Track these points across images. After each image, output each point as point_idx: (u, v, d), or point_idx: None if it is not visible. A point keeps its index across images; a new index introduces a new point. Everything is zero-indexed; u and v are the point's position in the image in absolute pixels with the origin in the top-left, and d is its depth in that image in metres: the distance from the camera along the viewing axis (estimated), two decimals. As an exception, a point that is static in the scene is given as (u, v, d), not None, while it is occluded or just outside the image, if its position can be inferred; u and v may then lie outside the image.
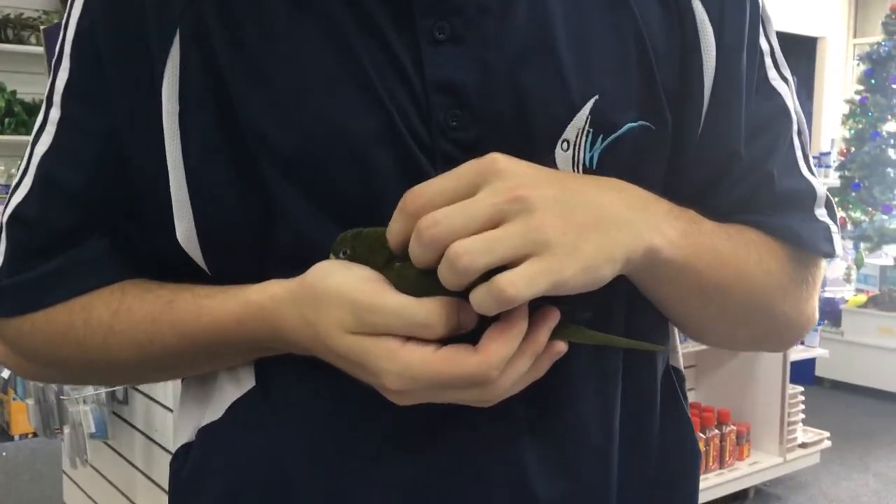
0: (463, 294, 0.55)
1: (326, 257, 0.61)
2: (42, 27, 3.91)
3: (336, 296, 0.57)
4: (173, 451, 0.76)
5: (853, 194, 5.98)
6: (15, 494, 3.83)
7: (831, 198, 0.76)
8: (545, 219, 0.53)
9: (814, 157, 4.42)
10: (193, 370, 0.72)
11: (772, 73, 0.75)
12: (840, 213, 6.38)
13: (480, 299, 0.53)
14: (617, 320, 0.68)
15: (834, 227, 0.74)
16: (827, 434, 4.04)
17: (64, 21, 0.70)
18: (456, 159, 0.61)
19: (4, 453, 4.30)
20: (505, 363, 0.55)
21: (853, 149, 6.03)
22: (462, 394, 0.56)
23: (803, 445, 3.92)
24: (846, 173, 6.03)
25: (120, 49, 0.66)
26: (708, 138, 0.70)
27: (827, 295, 5.89)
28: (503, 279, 0.52)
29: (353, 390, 0.60)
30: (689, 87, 0.69)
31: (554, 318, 0.57)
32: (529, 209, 0.53)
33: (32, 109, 5.04)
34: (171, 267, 0.68)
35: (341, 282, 0.58)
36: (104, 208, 0.68)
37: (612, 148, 0.65)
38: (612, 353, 0.69)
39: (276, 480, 0.67)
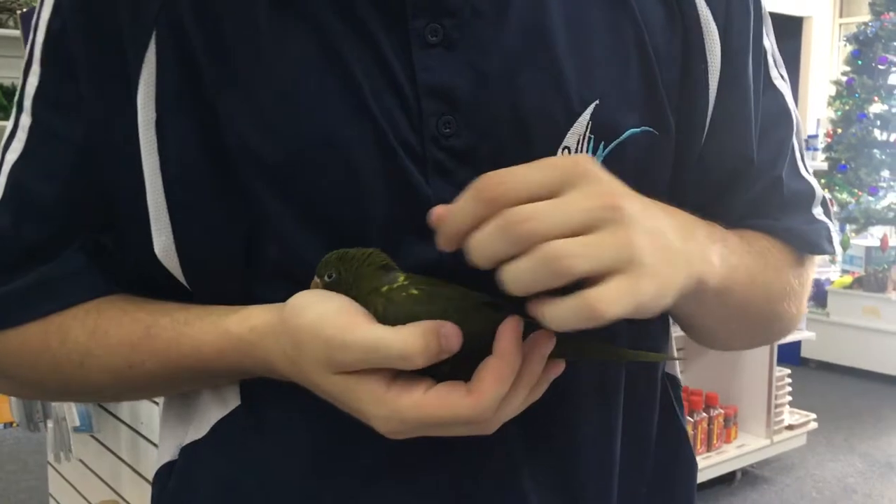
0: (455, 315, 0.53)
1: (311, 280, 0.58)
2: (18, 11, 3.85)
3: (311, 336, 0.54)
4: (155, 469, 0.73)
5: (839, 176, 5.99)
6: (2, 485, 3.80)
7: (826, 197, 0.77)
8: (636, 235, 0.49)
9: (801, 141, 4.42)
10: (175, 391, 0.70)
11: (774, 73, 0.74)
12: (826, 195, 6.40)
13: (563, 315, 0.48)
14: (620, 331, 0.65)
15: (832, 226, 0.75)
16: (813, 416, 4.07)
17: (34, 22, 0.66)
18: (449, 169, 0.59)
19: (-11, 443, 4.27)
20: (499, 402, 0.52)
21: (840, 130, 6.04)
22: (455, 431, 0.54)
23: (790, 427, 3.95)
24: (832, 155, 6.04)
25: (93, 53, 0.62)
26: (717, 144, 0.68)
27: (813, 276, 5.92)
28: (594, 295, 0.47)
29: (342, 413, 0.57)
30: (693, 90, 0.67)
31: (549, 344, 0.54)
32: (622, 221, 0.49)
33: (11, 93, 4.97)
34: (150, 281, 0.65)
35: (314, 319, 0.54)
36: (78, 220, 0.65)
37: (616, 154, 0.63)
38: (614, 366, 0.67)
39: (262, 503, 0.64)
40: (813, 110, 7.40)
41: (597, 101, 0.62)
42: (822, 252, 0.74)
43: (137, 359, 0.63)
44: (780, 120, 0.73)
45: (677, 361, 0.78)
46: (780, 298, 0.71)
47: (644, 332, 0.69)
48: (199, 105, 0.60)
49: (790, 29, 7.52)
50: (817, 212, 0.75)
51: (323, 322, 0.54)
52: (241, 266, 0.61)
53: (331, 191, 0.59)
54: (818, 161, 4.84)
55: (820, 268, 6.01)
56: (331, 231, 0.59)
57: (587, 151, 0.62)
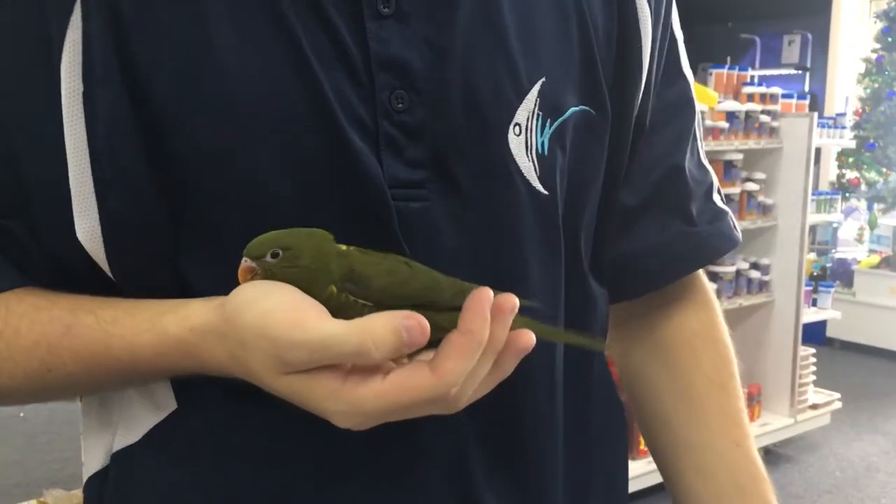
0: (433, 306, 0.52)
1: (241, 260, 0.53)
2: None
3: (256, 336, 0.49)
4: (84, 476, 0.67)
5: (867, 154, 5.93)
6: (34, 456, 3.89)
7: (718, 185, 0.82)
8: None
9: (829, 118, 4.35)
10: (98, 393, 0.65)
11: (683, 61, 0.77)
12: (854, 174, 6.37)
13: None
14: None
15: (729, 211, 0.81)
16: (837, 395, 4.06)
17: None
18: (401, 146, 0.58)
19: (22, 414, 4.35)
20: (463, 377, 0.49)
21: (868, 108, 5.97)
22: (421, 412, 0.51)
23: (814, 406, 3.94)
24: (861, 133, 5.97)
25: (8, 21, 0.57)
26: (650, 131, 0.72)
27: (839, 256, 5.87)
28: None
29: (285, 406, 0.52)
30: (627, 71, 0.68)
31: (511, 307, 0.50)
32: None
33: None
34: (67, 273, 0.59)
35: (258, 317, 0.49)
36: None
37: (559, 133, 0.63)
38: (555, 349, 0.67)
39: None
40: (841, 88, 7.31)
41: (543, 79, 0.62)
42: (735, 244, 0.79)
43: (56, 361, 0.57)
44: (684, 109, 0.76)
45: None
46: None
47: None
48: (129, 73, 0.55)
49: (820, 6, 7.41)
50: (717, 199, 0.79)
51: (267, 320, 0.49)
52: (169, 247, 0.58)
53: (271, 167, 0.56)
54: (846, 139, 4.77)
55: (847, 247, 5.97)
56: (270, 211, 0.56)
57: (536, 129, 0.62)
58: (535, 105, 0.61)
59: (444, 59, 0.59)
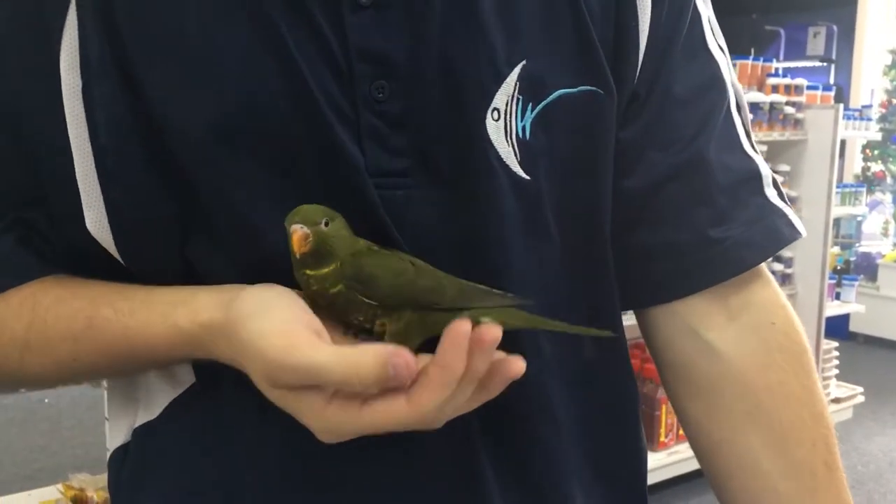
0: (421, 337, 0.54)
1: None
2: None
3: (252, 350, 0.51)
4: (109, 451, 0.70)
5: (893, 147, 5.86)
6: (58, 442, 3.94)
7: (776, 177, 0.73)
8: None
9: (855, 110, 4.28)
10: (124, 377, 0.67)
11: (710, 40, 0.71)
12: (879, 167, 6.29)
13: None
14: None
15: (788, 210, 0.72)
16: (860, 389, 4.03)
17: None
18: (383, 135, 0.58)
19: (47, 400, 4.41)
20: (439, 408, 0.50)
21: (895, 100, 5.90)
22: (399, 429, 0.52)
23: (836, 401, 3.92)
24: (887, 125, 5.91)
25: (8, 17, 0.59)
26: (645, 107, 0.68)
27: (863, 249, 5.82)
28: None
29: None
30: (624, 49, 0.66)
31: (492, 339, 0.49)
32: None
33: None
34: (84, 259, 0.61)
35: (255, 336, 0.51)
36: (4, 200, 0.61)
37: (548, 115, 0.62)
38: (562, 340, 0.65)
39: (222, 483, 0.63)
40: (867, 80, 7.22)
41: (524, 62, 0.61)
42: (791, 241, 0.71)
43: (81, 351, 0.60)
44: (709, 89, 0.70)
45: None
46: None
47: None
48: (124, 68, 0.57)
49: (846, -3, 7.33)
50: (770, 193, 0.71)
51: (262, 342, 0.51)
52: (176, 237, 0.59)
53: (256, 159, 0.57)
54: (872, 131, 4.72)
55: (871, 241, 5.91)
56: (256, 202, 0.57)
57: (516, 113, 0.61)
58: (515, 89, 0.61)
59: (421, 48, 0.59)
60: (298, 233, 0.53)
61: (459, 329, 0.49)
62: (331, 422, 0.51)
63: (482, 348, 0.49)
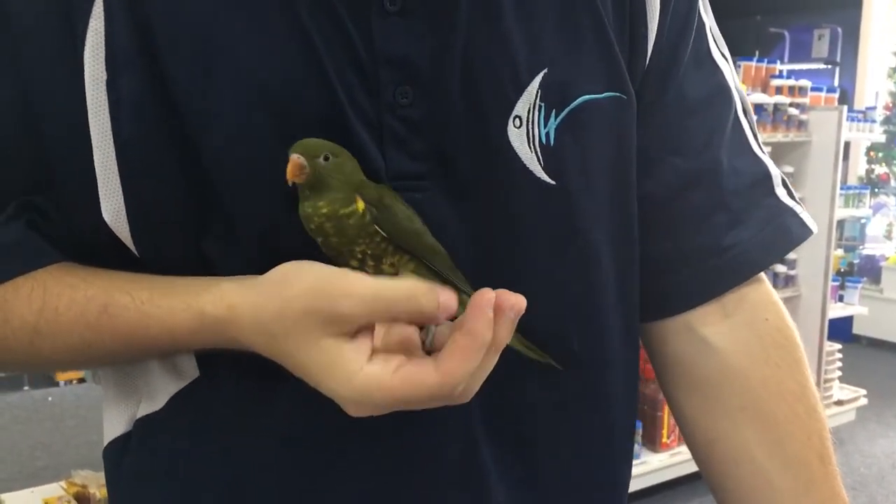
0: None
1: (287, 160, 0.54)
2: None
3: (311, 298, 0.51)
4: (105, 441, 0.70)
5: (897, 150, 5.85)
6: (61, 440, 3.95)
7: (785, 177, 0.75)
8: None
9: (859, 112, 4.27)
10: (138, 363, 0.66)
11: (714, 49, 0.73)
12: (883, 169, 6.29)
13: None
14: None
15: (798, 207, 0.74)
16: (863, 391, 4.02)
17: None
18: (404, 139, 0.59)
19: (50, 398, 4.42)
20: (468, 377, 0.51)
21: (899, 103, 5.89)
22: (429, 405, 0.52)
23: (839, 403, 3.92)
24: (891, 128, 5.91)
25: (32, 5, 0.58)
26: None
27: (867, 252, 5.81)
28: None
29: (302, 384, 0.54)
30: (635, 55, 0.67)
31: (513, 305, 0.51)
32: None
33: None
34: (95, 248, 0.61)
35: (315, 280, 0.52)
36: (12, 185, 0.61)
37: (573, 121, 0.63)
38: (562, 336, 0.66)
39: (227, 476, 0.63)
40: (871, 83, 7.22)
41: (545, 70, 0.62)
42: (802, 240, 0.72)
43: (96, 338, 0.59)
44: (714, 97, 0.72)
45: None
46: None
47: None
48: (151, 64, 0.57)
49: (850, 0, 7.33)
50: (781, 192, 0.73)
51: (323, 283, 0.52)
52: (193, 229, 0.59)
53: (278, 157, 0.56)
54: (876, 133, 4.72)
55: (874, 244, 5.90)
56: (275, 199, 0.57)
57: (539, 120, 0.62)
58: (536, 97, 0.61)
59: (445, 55, 0.60)
60: (294, 162, 0.53)
61: (485, 297, 0.51)
62: (360, 390, 0.51)
63: (506, 315, 0.51)
